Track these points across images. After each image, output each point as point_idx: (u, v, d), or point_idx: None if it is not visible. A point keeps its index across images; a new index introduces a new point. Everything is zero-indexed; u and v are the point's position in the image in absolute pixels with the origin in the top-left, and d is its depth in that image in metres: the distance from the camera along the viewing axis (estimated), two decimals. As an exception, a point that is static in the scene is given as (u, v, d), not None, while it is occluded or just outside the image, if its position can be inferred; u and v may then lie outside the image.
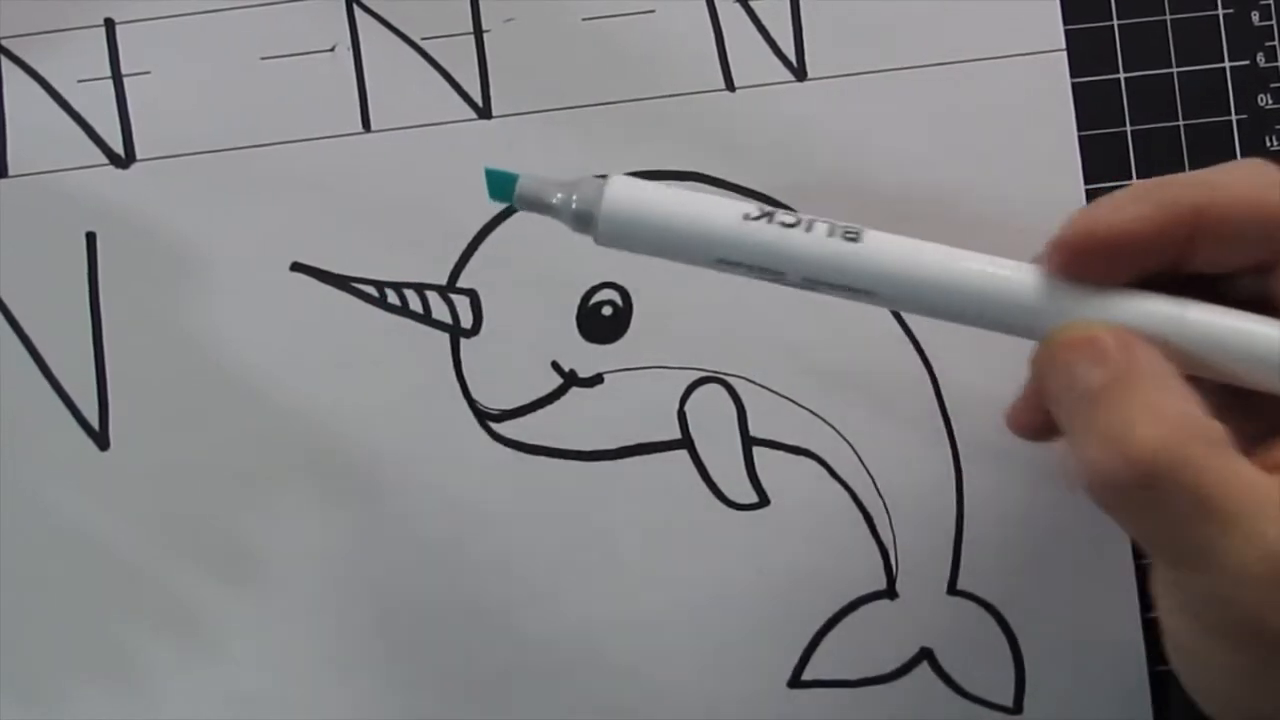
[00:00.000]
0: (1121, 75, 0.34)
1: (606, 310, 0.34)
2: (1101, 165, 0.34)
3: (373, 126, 0.34)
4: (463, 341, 0.34)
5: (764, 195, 0.34)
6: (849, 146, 0.34)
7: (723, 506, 0.34)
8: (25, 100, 0.34)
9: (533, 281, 0.34)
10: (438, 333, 0.34)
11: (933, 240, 0.25)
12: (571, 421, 0.34)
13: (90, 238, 0.34)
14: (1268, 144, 0.34)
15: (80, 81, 0.34)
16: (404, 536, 0.34)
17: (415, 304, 0.34)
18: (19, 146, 0.34)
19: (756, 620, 0.34)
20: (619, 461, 0.34)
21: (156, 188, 0.34)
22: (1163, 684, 0.34)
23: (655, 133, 0.34)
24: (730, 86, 0.34)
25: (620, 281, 0.34)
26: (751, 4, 0.34)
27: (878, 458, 0.34)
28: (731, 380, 0.34)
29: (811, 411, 0.34)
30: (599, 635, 0.34)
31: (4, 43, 0.34)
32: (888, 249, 0.24)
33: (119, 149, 0.34)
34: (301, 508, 0.34)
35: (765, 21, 0.34)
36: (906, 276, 0.24)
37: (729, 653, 0.34)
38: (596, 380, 0.34)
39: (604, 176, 0.25)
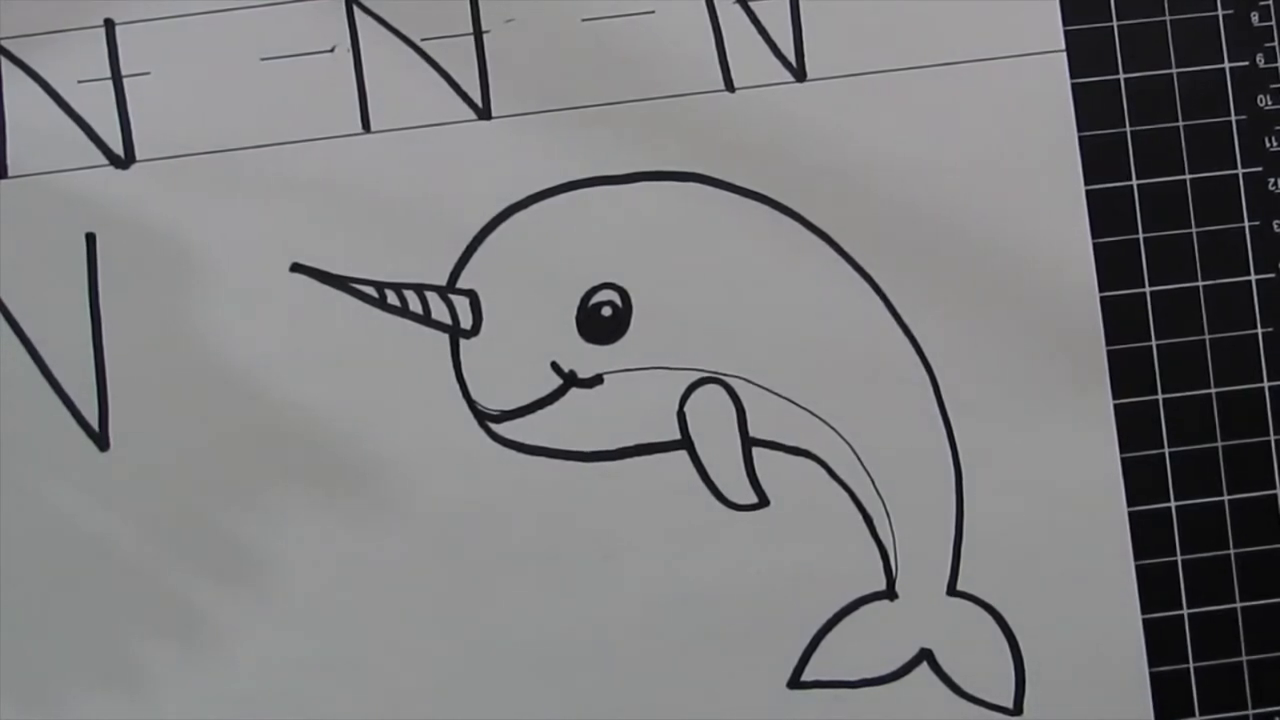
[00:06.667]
0: (1121, 76, 0.34)
1: (606, 311, 0.34)
2: (1101, 165, 0.34)
3: (373, 127, 0.34)
4: (462, 342, 0.34)
5: (764, 195, 0.34)
6: (849, 147, 0.34)
7: (723, 507, 0.34)
8: (25, 100, 0.34)
9: (533, 282, 0.34)
10: (437, 333, 0.34)
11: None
12: (571, 422, 0.34)
13: (90, 238, 0.34)
14: (1267, 144, 0.34)
15: (80, 82, 0.34)
16: (404, 537, 0.34)
17: (415, 304, 0.34)
18: (19, 147, 0.34)
19: (756, 620, 0.34)
20: (619, 462, 0.34)
21: (156, 188, 0.34)
22: (1163, 684, 0.34)
23: (655, 133, 0.34)
24: (730, 87, 0.34)
25: (620, 282, 0.34)
26: (751, 5, 0.34)
27: (877, 458, 0.34)
28: (731, 381, 0.34)
29: (811, 412, 0.34)
30: (599, 635, 0.34)
31: (4, 43, 0.34)
32: None
33: (119, 149, 0.34)
34: (301, 508, 0.34)
35: (765, 22, 0.34)
36: None
37: (729, 653, 0.34)
38: (596, 381, 0.34)
39: None
